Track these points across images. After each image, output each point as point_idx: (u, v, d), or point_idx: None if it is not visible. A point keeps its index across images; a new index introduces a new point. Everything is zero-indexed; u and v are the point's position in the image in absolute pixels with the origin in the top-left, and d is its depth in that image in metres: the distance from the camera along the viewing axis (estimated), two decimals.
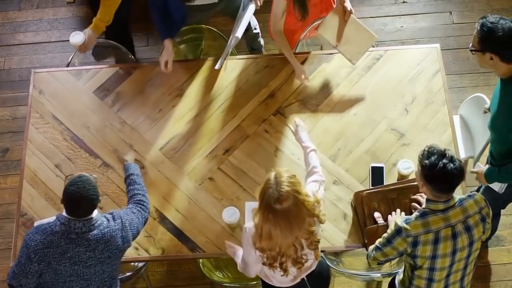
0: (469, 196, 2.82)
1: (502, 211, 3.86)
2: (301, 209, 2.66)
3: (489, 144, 3.30)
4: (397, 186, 3.30)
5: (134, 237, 2.95)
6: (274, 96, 3.67)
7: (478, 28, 2.89)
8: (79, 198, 2.75)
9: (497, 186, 3.35)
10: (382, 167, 3.43)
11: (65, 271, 2.85)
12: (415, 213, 2.82)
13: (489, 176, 3.24)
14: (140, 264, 3.47)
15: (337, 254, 3.51)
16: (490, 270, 3.95)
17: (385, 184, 3.38)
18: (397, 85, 3.67)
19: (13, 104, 4.62)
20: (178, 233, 3.36)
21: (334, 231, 3.32)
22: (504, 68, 2.94)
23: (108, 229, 2.84)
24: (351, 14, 3.62)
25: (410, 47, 3.98)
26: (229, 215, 3.26)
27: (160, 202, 3.42)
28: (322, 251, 3.30)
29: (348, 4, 3.65)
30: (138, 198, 3.08)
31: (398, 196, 3.27)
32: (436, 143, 3.44)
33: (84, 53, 3.98)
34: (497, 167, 3.19)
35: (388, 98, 3.63)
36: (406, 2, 4.88)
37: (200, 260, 3.41)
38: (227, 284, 3.40)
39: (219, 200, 3.42)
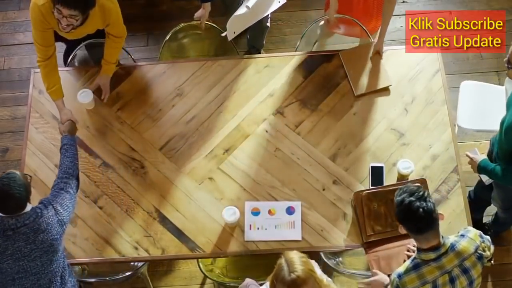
0: (462, 236, 2.72)
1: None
2: None
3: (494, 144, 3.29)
4: (397, 186, 3.30)
5: (70, 215, 2.96)
6: (274, 96, 3.67)
7: None
8: (3, 196, 2.76)
9: (484, 177, 3.33)
10: (382, 167, 3.43)
11: (10, 269, 2.83)
12: (406, 264, 2.73)
13: (482, 169, 3.20)
14: (140, 264, 3.47)
15: (336, 254, 3.50)
16: (490, 270, 3.94)
17: (384, 183, 3.38)
18: (397, 85, 3.67)
19: (13, 104, 4.62)
20: (178, 233, 3.36)
21: (334, 231, 3.32)
22: None
23: (43, 218, 2.83)
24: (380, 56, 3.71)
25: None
26: (229, 215, 3.26)
27: (160, 202, 3.43)
28: (321, 251, 3.31)
29: (382, 46, 3.70)
30: (65, 166, 3.09)
31: None
32: (436, 143, 3.48)
33: (84, 54, 3.99)
34: (493, 166, 3.15)
35: (388, 98, 3.63)
36: (406, 2, 4.88)
37: (199, 260, 3.41)
38: (227, 284, 3.40)
39: (219, 200, 3.42)
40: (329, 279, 2.77)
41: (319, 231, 3.32)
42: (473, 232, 2.74)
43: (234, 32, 3.69)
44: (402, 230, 2.70)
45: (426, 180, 3.33)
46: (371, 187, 3.36)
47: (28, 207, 2.84)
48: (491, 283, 3.92)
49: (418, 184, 2.68)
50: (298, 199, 3.39)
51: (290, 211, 3.35)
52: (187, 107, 3.67)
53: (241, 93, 3.69)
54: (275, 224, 3.32)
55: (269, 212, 3.36)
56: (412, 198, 2.59)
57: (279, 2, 3.78)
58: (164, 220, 3.39)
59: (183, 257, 3.37)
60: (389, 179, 3.40)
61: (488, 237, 2.82)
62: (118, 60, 3.71)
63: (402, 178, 3.38)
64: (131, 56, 4.02)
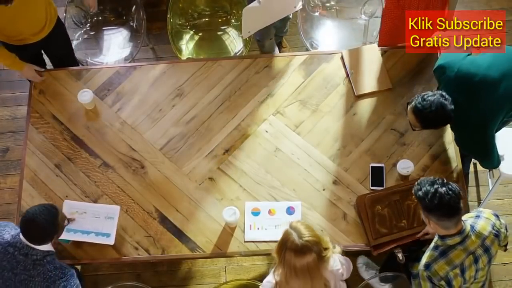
0: (478, 216, 2.80)
1: (501, 211, 3.88)
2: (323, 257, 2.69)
3: None
4: (399, 188, 3.30)
5: None
6: (274, 96, 3.67)
7: (416, 115, 3.07)
8: (31, 222, 2.81)
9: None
10: (382, 167, 3.43)
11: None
12: (429, 254, 2.79)
13: None
14: None
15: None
16: (491, 270, 3.95)
17: (385, 184, 3.39)
18: (397, 85, 3.66)
19: (13, 104, 4.62)
20: (178, 233, 3.36)
21: (334, 231, 3.32)
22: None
23: (45, 274, 2.83)
24: (381, 57, 3.70)
25: None
26: (229, 215, 3.26)
27: (160, 202, 3.43)
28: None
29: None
30: None
31: (401, 198, 3.27)
32: (436, 143, 3.48)
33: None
34: None
35: (388, 98, 3.63)
36: None
37: None
38: None
39: (219, 200, 3.42)
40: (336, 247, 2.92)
41: (319, 231, 3.32)
42: (487, 212, 2.83)
43: (249, 32, 3.70)
44: (430, 225, 2.74)
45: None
46: (373, 190, 3.36)
47: (46, 247, 2.86)
48: (491, 283, 3.92)
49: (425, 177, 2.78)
50: (298, 199, 3.39)
51: (290, 211, 3.35)
52: (187, 107, 3.67)
53: (241, 93, 3.69)
54: (275, 224, 3.32)
55: (269, 212, 3.36)
56: (436, 186, 2.66)
57: (295, 7, 3.75)
58: (164, 220, 3.39)
59: (183, 257, 3.37)
60: (389, 179, 3.41)
61: (504, 222, 2.90)
62: None
63: (402, 178, 3.38)
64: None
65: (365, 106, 3.62)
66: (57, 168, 3.54)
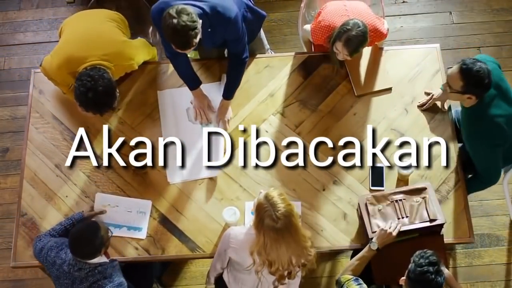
0: None
1: (501, 211, 3.88)
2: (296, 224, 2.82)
3: None
4: (403, 190, 3.26)
5: None
6: (274, 96, 3.67)
7: (462, 73, 3.10)
8: (80, 240, 2.97)
9: None
10: (382, 167, 3.43)
11: None
12: None
13: None
14: None
15: (336, 253, 3.51)
16: (490, 270, 3.95)
17: (384, 184, 3.38)
18: (397, 85, 3.67)
19: (13, 104, 4.62)
20: (178, 233, 3.36)
21: (334, 231, 3.32)
22: (473, 102, 3.16)
23: (97, 282, 2.99)
24: (381, 57, 3.71)
25: (410, 47, 3.97)
26: (229, 215, 3.26)
27: (160, 202, 3.43)
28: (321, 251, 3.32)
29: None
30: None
31: (403, 200, 3.22)
32: (436, 143, 3.48)
33: None
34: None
35: (388, 98, 3.64)
36: (406, 2, 4.88)
37: None
38: None
39: (219, 200, 3.42)
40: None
41: (319, 231, 3.32)
42: None
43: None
44: (402, 282, 2.85)
45: (430, 185, 3.31)
46: (375, 191, 3.35)
47: (97, 259, 2.99)
48: (491, 283, 3.92)
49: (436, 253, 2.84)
50: (298, 199, 3.39)
51: None
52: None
53: (242, 93, 3.68)
54: None
55: None
56: (430, 269, 2.74)
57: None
58: (164, 220, 3.39)
59: (183, 257, 3.37)
60: (389, 179, 3.41)
61: None
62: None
63: (402, 178, 3.38)
64: None
65: (365, 106, 3.62)
66: (57, 168, 3.54)
